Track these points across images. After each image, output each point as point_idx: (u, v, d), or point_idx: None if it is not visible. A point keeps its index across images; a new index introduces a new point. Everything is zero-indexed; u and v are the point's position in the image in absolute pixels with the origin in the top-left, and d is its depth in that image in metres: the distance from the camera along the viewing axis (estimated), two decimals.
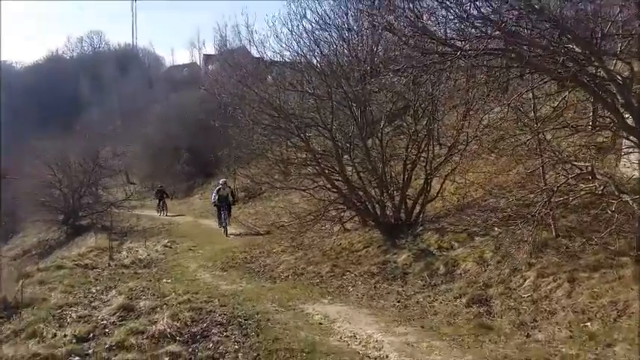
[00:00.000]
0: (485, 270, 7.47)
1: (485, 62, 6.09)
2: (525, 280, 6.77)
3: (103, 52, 73.70)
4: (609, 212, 6.09)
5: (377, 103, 12.11)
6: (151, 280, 9.01)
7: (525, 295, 6.45)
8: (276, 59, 13.09)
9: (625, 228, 6.52)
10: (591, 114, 8.98)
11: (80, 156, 22.87)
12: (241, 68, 14.59)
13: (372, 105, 12.06)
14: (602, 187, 6.65)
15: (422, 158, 10.60)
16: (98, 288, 8.03)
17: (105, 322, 6.18)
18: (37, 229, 21.53)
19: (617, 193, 6.15)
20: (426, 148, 10.60)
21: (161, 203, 23.19)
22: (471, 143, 10.32)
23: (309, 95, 11.64)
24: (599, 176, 6.57)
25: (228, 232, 14.66)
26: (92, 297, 7.45)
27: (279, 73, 13.51)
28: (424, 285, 7.71)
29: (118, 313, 6.40)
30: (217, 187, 15.58)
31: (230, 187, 16.28)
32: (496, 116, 10.44)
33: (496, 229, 8.51)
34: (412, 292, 7.51)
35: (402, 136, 12.39)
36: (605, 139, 8.38)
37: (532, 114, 7.88)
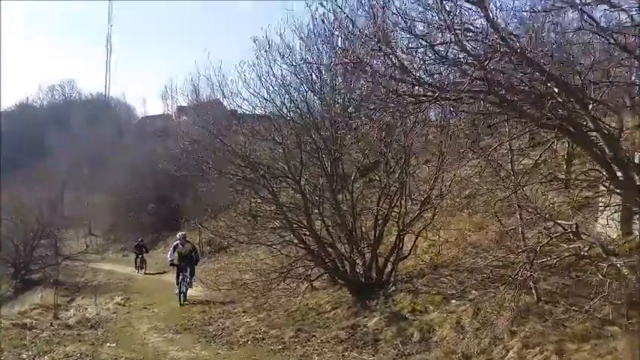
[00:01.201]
0: (464, 338, 6.79)
1: (464, 108, 5.66)
2: (509, 351, 6.11)
3: (74, 100, 73.09)
4: (599, 276, 5.55)
5: (348, 155, 11.68)
6: (93, 344, 8.09)
7: None
8: (247, 112, 12.66)
9: (613, 294, 5.99)
10: (570, 168, 8.73)
11: (38, 205, 21.79)
12: (212, 120, 14.10)
13: (343, 157, 11.62)
14: (587, 248, 6.17)
15: (394, 213, 10.07)
16: (30, 353, 7.09)
17: None
18: None
19: (605, 256, 5.65)
20: (398, 203, 10.10)
21: (139, 259, 20.58)
22: (445, 198, 9.89)
23: (277, 144, 11.16)
24: (584, 236, 6.10)
25: (187, 296, 12.37)
26: None
27: (248, 123, 13.06)
28: (397, 354, 6.97)
29: None
30: (175, 243, 13.08)
31: (190, 243, 13.77)
32: (471, 171, 10.09)
33: (473, 291, 7.91)
34: None
35: (373, 190, 11.94)
36: (587, 196, 7.99)
37: (509, 167, 7.47)
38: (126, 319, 10.72)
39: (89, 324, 10.08)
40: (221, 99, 13.20)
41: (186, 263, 12.71)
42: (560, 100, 4.91)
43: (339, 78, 12.25)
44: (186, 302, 12.03)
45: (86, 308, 12.01)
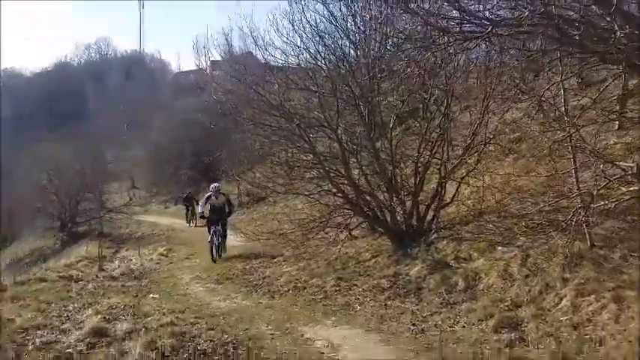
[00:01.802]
0: (512, 286, 6.52)
1: (516, 45, 5.18)
2: (561, 300, 5.82)
3: (110, 58, 73.68)
4: None
5: (386, 101, 11.25)
6: (137, 295, 8.17)
7: (564, 319, 5.50)
8: (280, 63, 12.28)
9: None
10: (624, 107, 8.12)
11: (80, 161, 22.19)
12: (245, 71, 13.77)
13: (380, 104, 11.22)
14: None
15: (435, 160, 9.71)
16: (76, 305, 7.18)
17: (70, 350, 5.31)
18: (35, 235, 20.82)
19: None
20: (439, 150, 9.71)
21: (189, 211, 20.19)
22: (490, 143, 9.45)
23: (312, 93, 10.82)
24: None
25: (225, 250, 11.85)
26: (66, 317, 6.60)
27: (282, 73, 12.71)
28: (442, 303, 6.76)
29: (87, 339, 5.52)
30: (207, 195, 12.23)
31: (224, 194, 12.73)
32: (518, 113, 9.56)
33: (521, 238, 7.57)
34: (428, 313, 6.56)
35: (413, 137, 11.54)
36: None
37: (561, 108, 6.96)
38: (169, 270, 10.87)
39: (133, 275, 10.26)
40: (254, 51, 12.87)
41: (218, 216, 11.97)
42: (626, 33, 4.40)
43: (374, 20, 11.72)
44: (220, 256, 11.48)
45: (130, 259, 12.25)
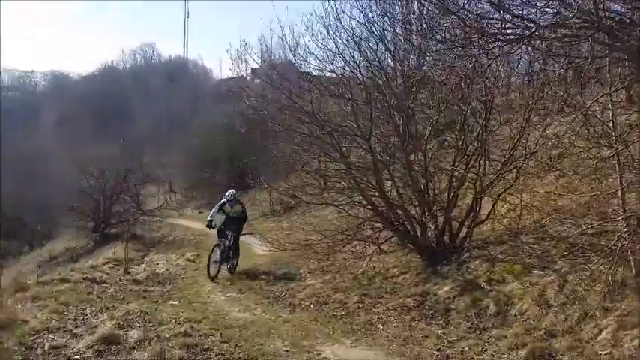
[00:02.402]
0: (548, 313, 6.06)
1: (558, 51, 4.79)
2: (601, 331, 5.34)
3: (154, 63, 75.27)
4: None
5: (422, 112, 10.89)
6: (157, 301, 8.04)
7: (603, 353, 5.03)
8: (317, 73, 12.10)
9: None
10: None
11: (119, 163, 22.54)
12: (280, 79, 13.67)
13: (416, 114, 10.87)
14: None
15: (471, 175, 9.28)
16: (94, 308, 7.07)
17: (78, 357, 5.15)
18: (71, 235, 21.19)
19: None
20: (475, 164, 9.28)
21: None
22: (529, 159, 8.96)
23: (346, 101, 10.58)
24: None
25: (233, 270, 10.53)
26: (81, 320, 6.48)
27: (317, 81, 12.52)
28: (470, 328, 6.35)
29: (96, 346, 5.36)
30: (221, 202, 11.01)
31: (241, 204, 11.51)
32: (561, 128, 9.04)
33: (559, 261, 7.07)
34: (455, 338, 6.15)
35: (448, 150, 11.13)
36: None
37: (608, 124, 6.47)
38: (193, 276, 10.75)
39: (157, 280, 10.18)
40: (292, 58, 12.74)
41: (231, 228, 10.68)
42: None
43: (413, 27, 11.40)
44: (231, 271, 10.39)
45: (157, 263, 12.23)
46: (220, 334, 6.09)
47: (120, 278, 9.94)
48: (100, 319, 6.44)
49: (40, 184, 23.73)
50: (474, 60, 5.24)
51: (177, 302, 8.04)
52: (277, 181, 19.16)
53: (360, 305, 7.66)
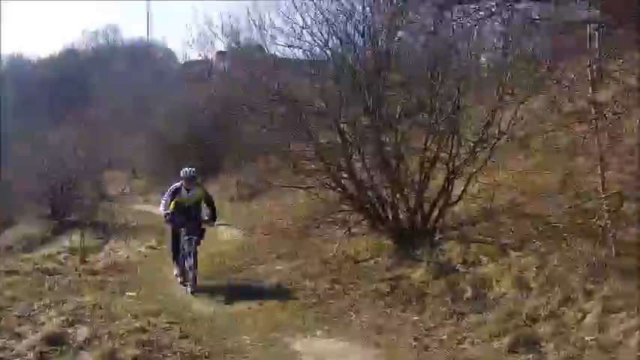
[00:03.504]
0: (528, 296, 5.79)
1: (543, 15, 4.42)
2: (585, 316, 5.08)
3: (117, 46, 73.00)
4: None
5: (392, 91, 10.50)
6: (114, 292, 7.51)
7: (589, 339, 4.77)
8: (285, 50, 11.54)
9: None
10: None
11: (79, 147, 21.55)
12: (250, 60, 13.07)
13: (387, 94, 10.48)
14: None
15: (443, 155, 8.97)
16: (43, 303, 6.50)
17: None
18: (29, 222, 20.20)
19: None
20: (448, 144, 8.96)
21: None
22: (503, 137, 8.70)
23: (314, 78, 10.13)
24: None
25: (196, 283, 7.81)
26: (27, 317, 5.91)
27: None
28: (447, 313, 6.03)
29: (38, 347, 4.82)
30: (174, 186, 8.31)
31: (201, 186, 8.93)
32: (535, 104, 8.82)
33: (537, 242, 6.82)
34: (433, 325, 5.83)
35: (420, 130, 10.81)
36: None
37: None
38: (154, 264, 10.20)
39: (117, 269, 9.59)
40: (257, 34, 12.15)
41: (190, 221, 8.12)
42: None
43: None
44: (194, 291, 7.67)
45: (117, 252, 11.61)
46: (180, 329, 5.63)
47: (76, 268, 9.33)
48: (47, 315, 5.88)
49: None
50: (453, 24, 4.82)
51: (134, 293, 7.52)
52: (245, 164, 18.67)
53: (332, 292, 7.29)
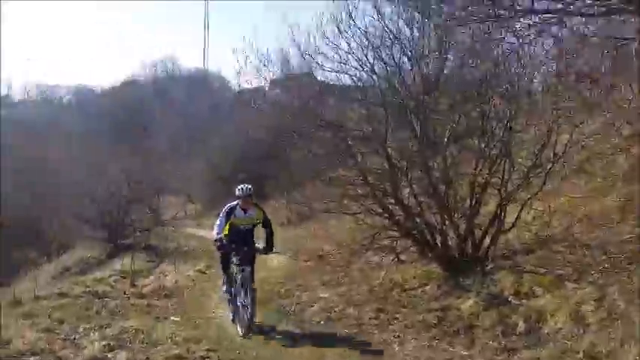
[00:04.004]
0: (585, 332, 5.38)
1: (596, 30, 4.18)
2: None
3: (175, 75, 75.89)
4: None
5: (440, 114, 10.28)
6: (158, 317, 7.55)
7: None
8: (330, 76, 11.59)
9: None
10: None
11: (136, 174, 22.32)
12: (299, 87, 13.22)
13: (435, 117, 10.26)
14: None
15: (494, 180, 8.62)
16: (88, 326, 6.61)
17: None
18: (86, 246, 20.96)
19: None
20: (499, 168, 8.62)
21: None
22: (559, 162, 8.29)
23: (361, 103, 10.08)
24: None
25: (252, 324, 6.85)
26: (71, 340, 6.01)
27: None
28: (498, 348, 5.68)
29: None
30: (229, 206, 7.40)
31: (259, 207, 7.69)
32: (591, 128, 8.39)
33: (594, 273, 6.38)
34: None
35: (470, 154, 10.50)
36: None
37: None
38: (202, 289, 10.26)
39: (164, 293, 9.70)
40: (302, 59, 12.27)
41: (244, 247, 7.15)
42: None
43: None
44: (250, 327, 6.76)
45: (167, 275, 11.75)
46: (218, 357, 5.54)
47: (124, 292, 9.49)
48: (90, 339, 5.95)
49: (56, 195, 23.65)
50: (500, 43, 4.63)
51: (179, 318, 7.53)
52: (294, 190, 18.74)
53: (376, 322, 7.05)
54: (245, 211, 7.35)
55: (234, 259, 7.18)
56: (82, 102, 68.39)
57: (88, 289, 9.08)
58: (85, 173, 24.77)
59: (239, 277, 7.05)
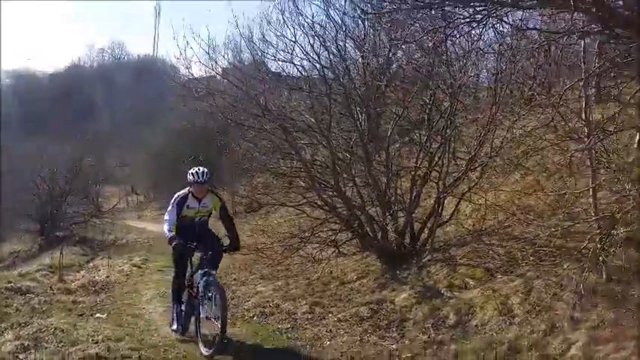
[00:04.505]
0: (511, 324, 5.43)
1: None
2: (570, 347, 4.72)
3: (122, 62, 73.51)
4: None
5: (385, 107, 10.24)
6: (82, 314, 7.17)
7: None
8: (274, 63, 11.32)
9: None
10: None
11: (72, 162, 21.34)
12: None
13: (379, 110, 10.21)
14: None
15: (434, 173, 8.66)
16: (4, 325, 6.17)
17: None
18: (18, 238, 19.95)
19: None
20: (439, 162, 8.67)
21: None
22: (496, 156, 8.42)
23: (303, 93, 9.93)
24: None
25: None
26: None
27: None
28: (427, 342, 5.66)
29: None
30: (179, 195, 6.07)
31: (217, 195, 6.35)
32: (528, 123, 8.53)
33: (524, 265, 6.48)
34: (409, 354, 5.45)
35: (413, 148, 10.53)
36: None
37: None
38: (134, 284, 9.86)
39: (93, 289, 9.25)
40: (247, 46, 11.94)
41: (206, 244, 5.99)
42: None
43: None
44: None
45: (99, 270, 11.26)
46: (139, 357, 5.26)
47: (50, 287, 8.98)
48: (3, 339, 5.55)
49: None
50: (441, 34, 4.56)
51: (104, 315, 7.17)
52: (240, 181, 18.42)
53: (309, 316, 6.91)
54: (199, 200, 6.01)
55: (194, 261, 6.08)
56: (24, 87, 65.30)
57: (10, 285, 8.51)
58: (18, 162, 23.59)
59: (201, 283, 5.72)
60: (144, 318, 7.21)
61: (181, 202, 5.98)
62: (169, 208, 6.02)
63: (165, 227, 5.89)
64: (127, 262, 12.09)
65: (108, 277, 10.35)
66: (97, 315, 7.15)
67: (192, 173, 5.94)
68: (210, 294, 5.63)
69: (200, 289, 5.75)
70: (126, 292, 9.11)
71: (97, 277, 10.28)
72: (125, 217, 24.90)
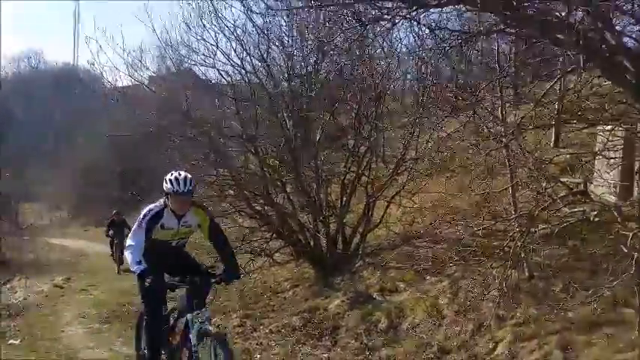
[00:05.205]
0: (441, 325, 5.49)
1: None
2: (497, 345, 4.82)
3: (41, 71, 69.91)
4: (624, 249, 4.19)
5: (312, 112, 10.19)
6: None
7: None
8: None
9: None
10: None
11: None
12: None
13: (306, 115, 10.15)
14: (594, 213, 4.85)
15: (363, 178, 8.70)
16: None
17: None
18: None
19: (622, 222, 4.34)
20: (368, 166, 8.73)
21: (115, 244, 13.41)
22: (422, 159, 8.59)
23: (228, 99, 9.69)
24: (594, 197, 4.77)
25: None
26: None
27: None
28: (359, 348, 5.61)
29: None
30: (151, 213, 4.07)
31: (201, 207, 4.47)
32: (451, 127, 8.75)
33: (452, 266, 6.59)
34: None
35: (342, 154, 10.55)
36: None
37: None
38: (54, 305, 9.24)
39: (8, 312, 8.58)
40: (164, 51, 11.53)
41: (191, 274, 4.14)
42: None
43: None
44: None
45: (15, 292, 10.50)
46: None
47: None
48: None
49: None
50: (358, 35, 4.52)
51: (18, 341, 6.65)
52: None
53: (240, 330, 6.71)
54: (179, 217, 4.34)
55: (178, 301, 4.56)
56: None
57: None
58: None
59: (193, 332, 4.13)
60: (64, 342, 6.72)
61: (153, 221, 4.23)
62: (135, 227, 4.27)
63: (130, 257, 4.12)
64: (48, 283, 11.36)
65: (25, 299, 9.67)
66: (11, 341, 6.61)
67: (169, 180, 4.17)
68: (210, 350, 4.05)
69: (193, 340, 4.11)
70: (44, 314, 8.52)
71: (12, 300, 9.57)
72: (48, 235, 23.53)
